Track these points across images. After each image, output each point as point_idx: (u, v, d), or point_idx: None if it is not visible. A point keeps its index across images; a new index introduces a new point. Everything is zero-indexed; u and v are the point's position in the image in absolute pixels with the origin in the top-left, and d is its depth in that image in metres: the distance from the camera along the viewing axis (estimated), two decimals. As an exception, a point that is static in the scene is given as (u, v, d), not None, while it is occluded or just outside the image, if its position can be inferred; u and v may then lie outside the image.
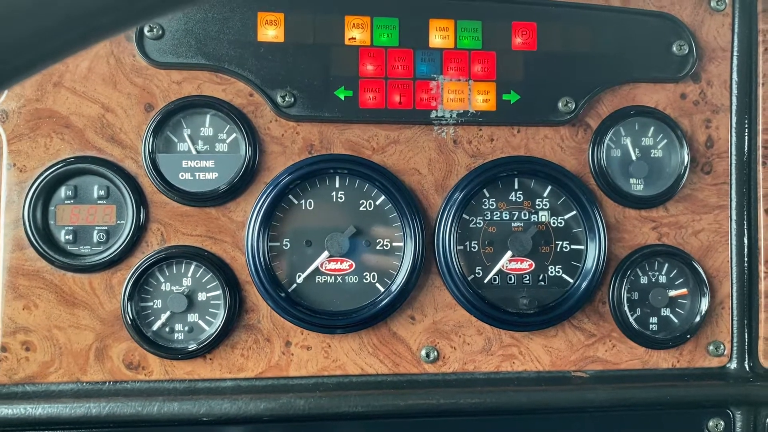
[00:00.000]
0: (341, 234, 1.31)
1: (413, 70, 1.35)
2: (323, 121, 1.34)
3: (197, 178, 1.31)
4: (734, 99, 1.44)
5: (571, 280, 1.38)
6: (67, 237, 1.28)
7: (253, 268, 1.29)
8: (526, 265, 1.38)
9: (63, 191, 1.29)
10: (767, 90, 1.43)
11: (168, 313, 1.29)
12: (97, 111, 1.29)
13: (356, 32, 1.34)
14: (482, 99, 1.36)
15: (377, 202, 1.35)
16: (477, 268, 1.37)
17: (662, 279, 1.42)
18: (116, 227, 1.30)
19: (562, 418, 1.37)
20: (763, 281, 1.42)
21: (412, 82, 1.35)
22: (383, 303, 1.31)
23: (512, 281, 1.38)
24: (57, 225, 1.28)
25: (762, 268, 1.42)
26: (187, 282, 1.31)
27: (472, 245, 1.37)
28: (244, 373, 1.31)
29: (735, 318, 1.43)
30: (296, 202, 1.33)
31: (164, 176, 1.29)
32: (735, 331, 1.43)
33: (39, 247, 1.25)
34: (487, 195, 1.38)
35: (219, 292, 1.30)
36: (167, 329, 1.30)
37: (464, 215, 1.36)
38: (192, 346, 1.28)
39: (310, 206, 1.34)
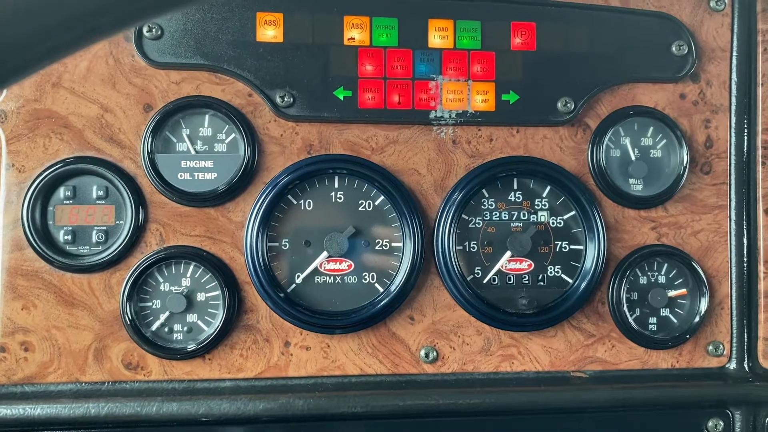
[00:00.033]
0: (340, 234, 1.31)
1: (412, 71, 1.35)
2: (322, 121, 1.33)
3: (196, 178, 1.31)
4: (733, 99, 1.44)
5: (570, 281, 1.38)
6: (65, 237, 1.28)
7: (252, 268, 1.29)
8: (526, 265, 1.38)
9: (62, 191, 1.28)
10: (766, 90, 1.43)
11: (167, 313, 1.29)
12: (95, 111, 1.29)
13: (355, 32, 1.33)
14: (481, 99, 1.36)
15: (376, 203, 1.35)
16: (476, 268, 1.37)
17: (661, 279, 1.42)
18: (115, 227, 1.30)
19: (562, 418, 1.36)
20: (762, 281, 1.42)
21: (411, 83, 1.35)
22: (382, 303, 1.31)
23: (511, 281, 1.38)
24: (56, 225, 1.28)
25: (761, 268, 1.42)
26: (186, 282, 1.31)
27: (472, 245, 1.37)
28: (243, 373, 1.31)
29: (734, 318, 1.43)
30: (295, 202, 1.33)
31: (163, 176, 1.29)
32: (734, 331, 1.43)
33: (38, 248, 1.25)
34: (487, 195, 1.38)
35: (218, 292, 1.30)
36: (166, 329, 1.30)
37: (463, 215, 1.36)
38: (191, 347, 1.28)
39: (309, 206, 1.33)
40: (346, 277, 1.34)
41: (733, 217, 1.43)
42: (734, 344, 1.43)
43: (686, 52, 1.41)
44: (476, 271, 1.37)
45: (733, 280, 1.43)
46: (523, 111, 1.37)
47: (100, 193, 1.29)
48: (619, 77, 1.40)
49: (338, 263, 1.33)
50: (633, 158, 1.41)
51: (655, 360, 1.40)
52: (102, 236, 1.29)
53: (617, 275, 1.38)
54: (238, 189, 1.31)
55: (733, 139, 1.44)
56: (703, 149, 1.43)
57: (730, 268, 1.43)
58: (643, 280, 1.41)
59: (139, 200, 1.29)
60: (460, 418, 1.33)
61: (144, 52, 1.29)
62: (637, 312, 1.40)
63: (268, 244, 1.31)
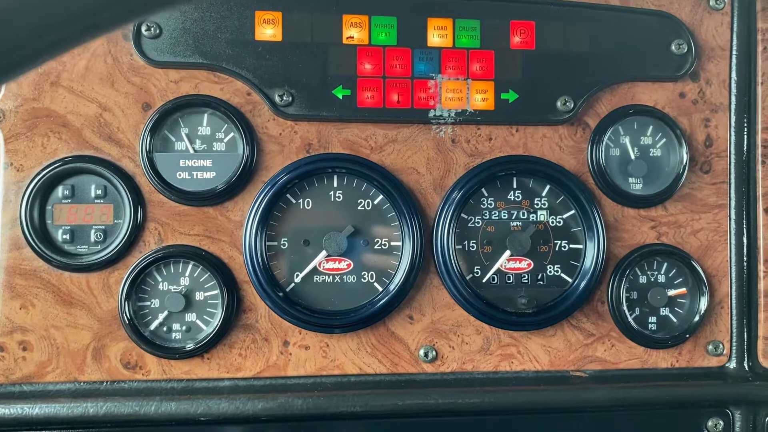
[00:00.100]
0: (339, 233, 1.31)
1: (411, 69, 1.34)
2: (321, 120, 1.33)
3: (195, 177, 1.30)
4: (733, 98, 1.43)
5: (569, 280, 1.38)
6: (64, 236, 1.28)
7: (250, 267, 1.29)
8: (525, 264, 1.38)
9: (60, 190, 1.28)
10: (766, 89, 1.43)
11: (165, 312, 1.29)
12: (94, 110, 1.29)
13: (354, 31, 1.33)
14: (480, 98, 1.36)
15: (375, 202, 1.34)
16: (475, 267, 1.37)
17: (661, 278, 1.42)
18: (113, 227, 1.29)
19: (561, 417, 1.36)
20: (762, 280, 1.41)
21: (410, 81, 1.34)
22: (381, 302, 1.31)
23: (511, 281, 1.38)
24: (54, 224, 1.28)
25: (761, 267, 1.41)
26: (184, 281, 1.30)
27: (471, 245, 1.37)
28: (242, 372, 1.31)
29: (734, 317, 1.43)
30: (294, 201, 1.33)
31: (162, 175, 1.29)
32: (734, 330, 1.43)
33: (36, 247, 1.25)
34: (486, 194, 1.37)
35: (217, 291, 1.30)
36: (165, 329, 1.30)
37: (463, 214, 1.36)
38: (190, 346, 1.28)
39: (308, 205, 1.33)
40: (345, 277, 1.34)
41: (733, 216, 1.43)
42: (734, 343, 1.43)
43: (686, 50, 1.40)
44: (475, 271, 1.37)
45: (733, 279, 1.43)
46: (522, 110, 1.37)
47: (99, 192, 1.29)
48: (619, 76, 1.40)
49: (337, 262, 1.33)
50: (632, 157, 1.40)
51: (654, 359, 1.40)
52: (100, 235, 1.29)
53: (617, 274, 1.38)
54: (237, 188, 1.31)
55: (733, 138, 1.44)
56: (702, 148, 1.43)
57: (730, 267, 1.43)
58: (642, 280, 1.41)
59: (138, 199, 1.28)
60: (459, 418, 1.33)
61: (142, 51, 1.28)
62: (637, 311, 1.40)
63: (267, 243, 1.31)
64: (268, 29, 1.31)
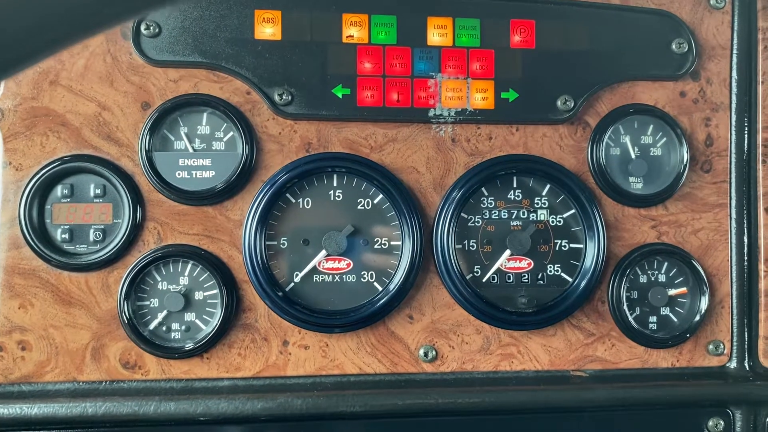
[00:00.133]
0: (339, 233, 1.30)
1: (411, 68, 1.34)
2: (321, 119, 1.33)
3: (194, 176, 1.30)
4: (734, 97, 1.43)
5: (570, 279, 1.38)
6: (63, 236, 1.27)
7: (250, 267, 1.29)
8: (525, 264, 1.37)
9: (59, 190, 1.28)
10: (767, 88, 1.43)
11: (165, 312, 1.29)
12: (93, 109, 1.29)
13: (354, 30, 1.33)
14: (480, 97, 1.35)
15: (375, 201, 1.34)
16: (475, 267, 1.37)
17: (662, 278, 1.41)
18: (113, 226, 1.29)
19: (561, 417, 1.36)
20: (763, 280, 1.41)
21: (410, 80, 1.34)
22: (381, 302, 1.31)
23: (511, 280, 1.37)
24: (53, 224, 1.28)
25: (762, 266, 1.41)
26: (184, 281, 1.30)
27: (471, 244, 1.37)
28: (242, 372, 1.30)
29: (735, 317, 1.42)
30: (294, 200, 1.33)
31: (161, 175, 1.28)
32: (735, 330, 1.42)
33: (35, 246, 1.25)
34: (486, 194, 1.37)
35: (216, 291, 1.30)
36: (164, 328, 1.29)
37: (463, 214, 1.35)
38: (189, 346, 1.28)
39: (307, 205, 1.33)
40: (344, 276, 1.33)
41: (734, 215, 1.43)
42: (735, 343, 1.42)
43: (686, 49, 1.40)
44: (475, 270, 1.36)
45: (734, 279, 1.42)
46: (522, 109, 1.36)
47: (98, 191, 1.29)
48: (619, 75, 1.40)
49: (337, 262, 1.33)
50: (633, 156, 1.40)
51: (655, 359, 1.40)
52: (99, 235, 1.28)
53: (617, 274, 1.38)
54: (237, 187, 1.30)
55: (734, 137, 1.43)
56: (703, 147, 1.43)
57: (731, 267, 1.43)
58: (643, 279, 1.41)
59: (137, 198, 1.28)
60: (459, 418, 1.32)
61: (142, 50, 1.28)
62: (637, 311, 1.40)
63: (267, 242, 1.30)
64: (268, 28, 1.31)
